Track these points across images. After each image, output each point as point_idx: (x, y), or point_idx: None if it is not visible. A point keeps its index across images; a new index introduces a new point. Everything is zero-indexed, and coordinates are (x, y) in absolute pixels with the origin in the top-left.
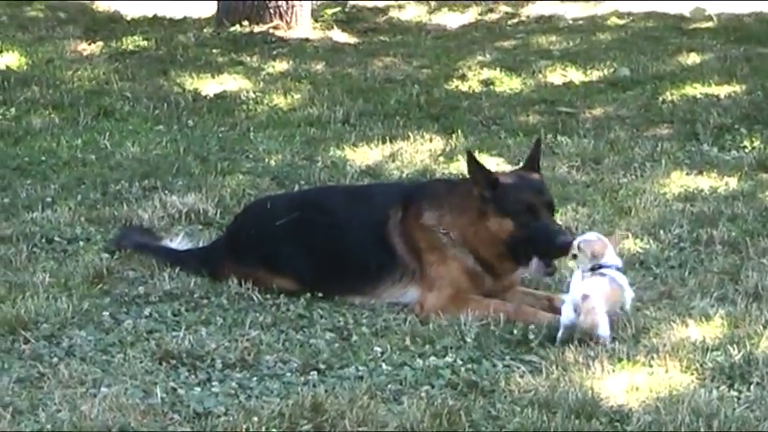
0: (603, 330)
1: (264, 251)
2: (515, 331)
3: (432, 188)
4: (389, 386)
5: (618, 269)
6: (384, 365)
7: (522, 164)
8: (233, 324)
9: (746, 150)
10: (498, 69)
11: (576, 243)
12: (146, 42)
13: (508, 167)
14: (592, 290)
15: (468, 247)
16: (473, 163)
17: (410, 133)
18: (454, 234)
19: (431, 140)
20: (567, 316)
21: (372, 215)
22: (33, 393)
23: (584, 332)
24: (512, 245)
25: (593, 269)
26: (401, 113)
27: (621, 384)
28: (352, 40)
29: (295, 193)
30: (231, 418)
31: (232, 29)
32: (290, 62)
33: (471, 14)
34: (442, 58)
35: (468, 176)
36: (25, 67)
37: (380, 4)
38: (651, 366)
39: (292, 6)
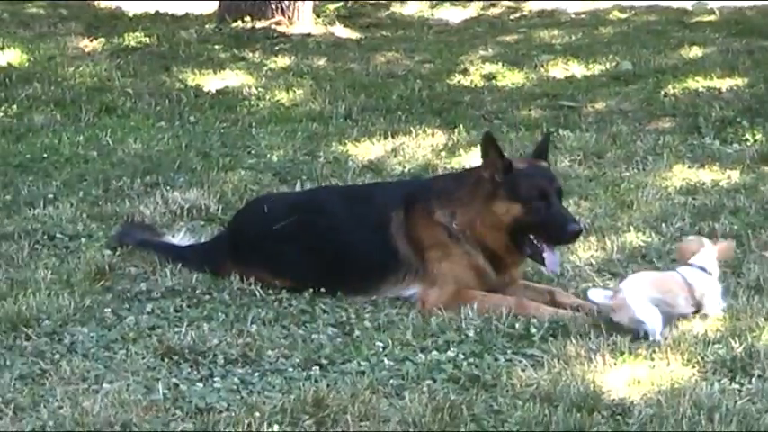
0: (649, 323)
1: (266, 253)
2: (517, 325)
3: (438, 184)
4: (391, 381)
5: (702, 269)
6: (386, 360)
7: (532, 153)
8: (235, 319)
9: (748, 143)
10: (500, 64)
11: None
12: (147, 39)
13: None
14: (630, 283)
15: (476, 238)
16: (489, 145)
17: (412, 128)
18: (465, 227)
19: (433, 135)
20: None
21: (374, 217)
22: (35, 390)
23: (623, 327)
24: (516, 230)
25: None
26: (403, 108)
27: (623, 378)
28: (354, 35)
29: (296, 194)
30: (233, 414)
31: (234, 25)
32: (292, 58)
33: (473, 9)
34: (444, 52)
35: (473, 166)
36: (27, 64)
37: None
38: (653, 359)
39: (294, 2)
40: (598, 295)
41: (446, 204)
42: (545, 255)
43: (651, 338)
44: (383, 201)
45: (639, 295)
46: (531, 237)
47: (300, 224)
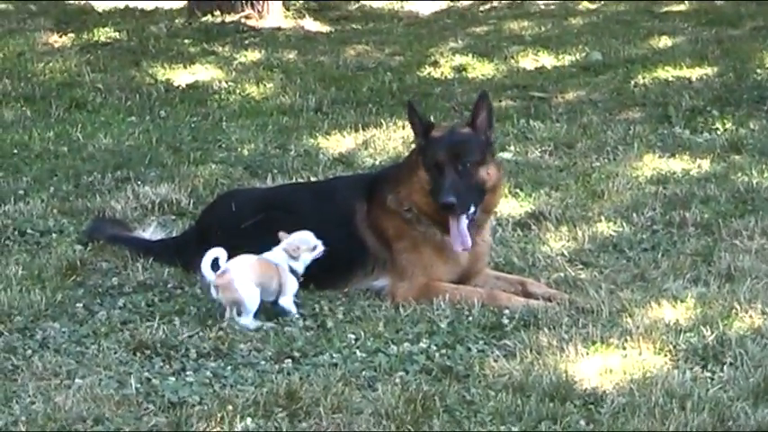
0: (249, 304)
1: (234, 251)
2: (489, 316)
3: (387, 172)
4: (364, 373)
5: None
6: (358, 352)
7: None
8: (207, 313)
9: (718, 132)
10: (470, 55)
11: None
12: (117, 34)
13: None
14: (236, 264)
15: (418, 209)
16: (412, 113)
17: (383, 120)
18: (407, 202)
19: (403, 128)
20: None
21: (338, 211)
22: (7, 386)
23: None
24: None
25: None
26: (374, 101)
27: (595, 367)
28: (324, 28)
29: (262, 190)
30: (206, 407)
31: (204, 19)
32: (262, 51)
33: (443, 1)
34: (414, 45)
35: None
36: None
37: None
38: (625, 348)
39: None
40: (207, 266)
41: (393, 188)
42: (451, 229)
43: (243, 319)
44: (347, 194)
45: (245, 276)
46: None
47: (268, 221)
